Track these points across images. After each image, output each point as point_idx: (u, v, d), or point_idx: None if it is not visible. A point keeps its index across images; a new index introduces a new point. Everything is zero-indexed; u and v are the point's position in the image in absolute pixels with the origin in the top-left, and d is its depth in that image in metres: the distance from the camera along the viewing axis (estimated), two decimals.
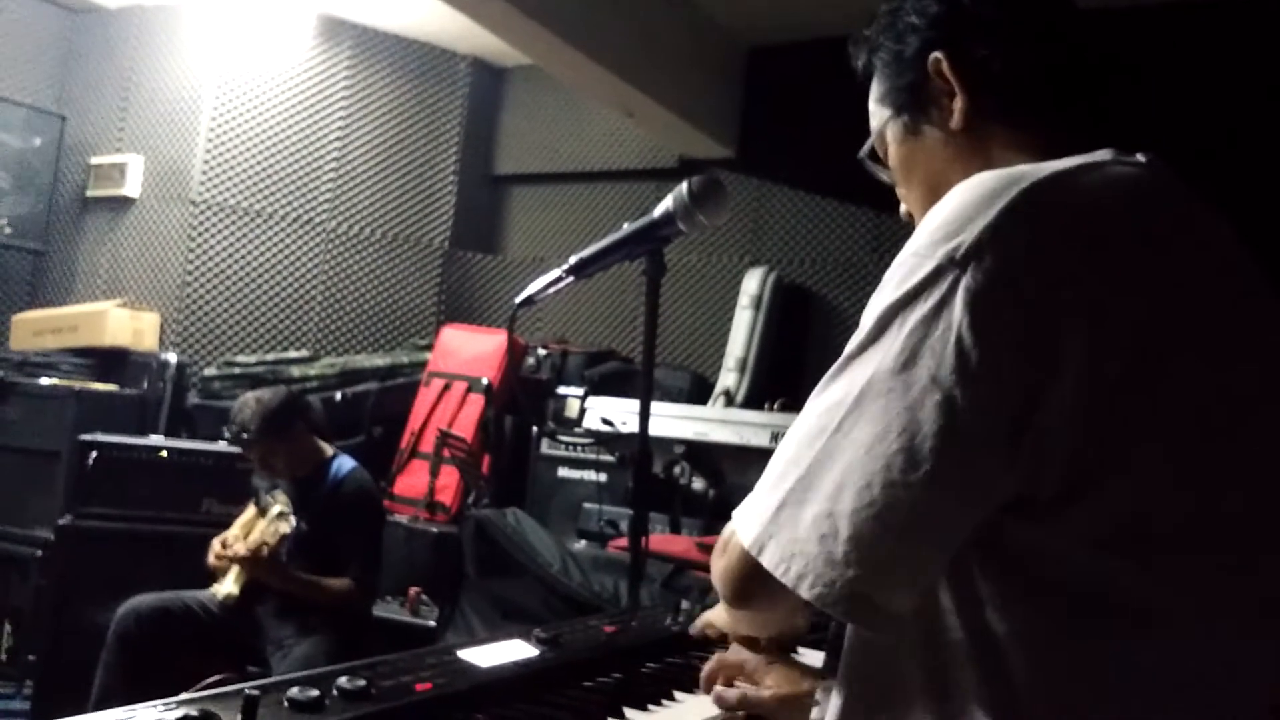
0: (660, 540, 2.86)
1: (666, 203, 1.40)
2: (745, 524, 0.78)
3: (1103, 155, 0.79)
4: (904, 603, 0.72)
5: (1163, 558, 0.70)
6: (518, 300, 1.48)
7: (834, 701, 0.84)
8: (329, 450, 3.17)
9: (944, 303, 0.69)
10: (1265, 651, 0.75)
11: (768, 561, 0.74)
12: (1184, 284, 0.75)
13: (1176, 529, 0.71)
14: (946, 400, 0.68)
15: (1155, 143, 0.83)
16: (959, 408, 0.68)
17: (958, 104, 0.89)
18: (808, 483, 0.73)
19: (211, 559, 2.94)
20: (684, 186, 1.38)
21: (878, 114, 0.97)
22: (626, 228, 1.44)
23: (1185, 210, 0.80)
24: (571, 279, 1.44)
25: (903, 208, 0.99)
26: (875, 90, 0.97)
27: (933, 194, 0.91)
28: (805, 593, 0.72)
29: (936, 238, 0.72)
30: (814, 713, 0.92)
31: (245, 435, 2.98)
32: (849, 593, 0.70)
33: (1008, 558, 0.72)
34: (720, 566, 0.84)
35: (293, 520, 2.91)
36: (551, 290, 1.45)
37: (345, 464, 3.15)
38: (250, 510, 3.12)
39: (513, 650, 1.28)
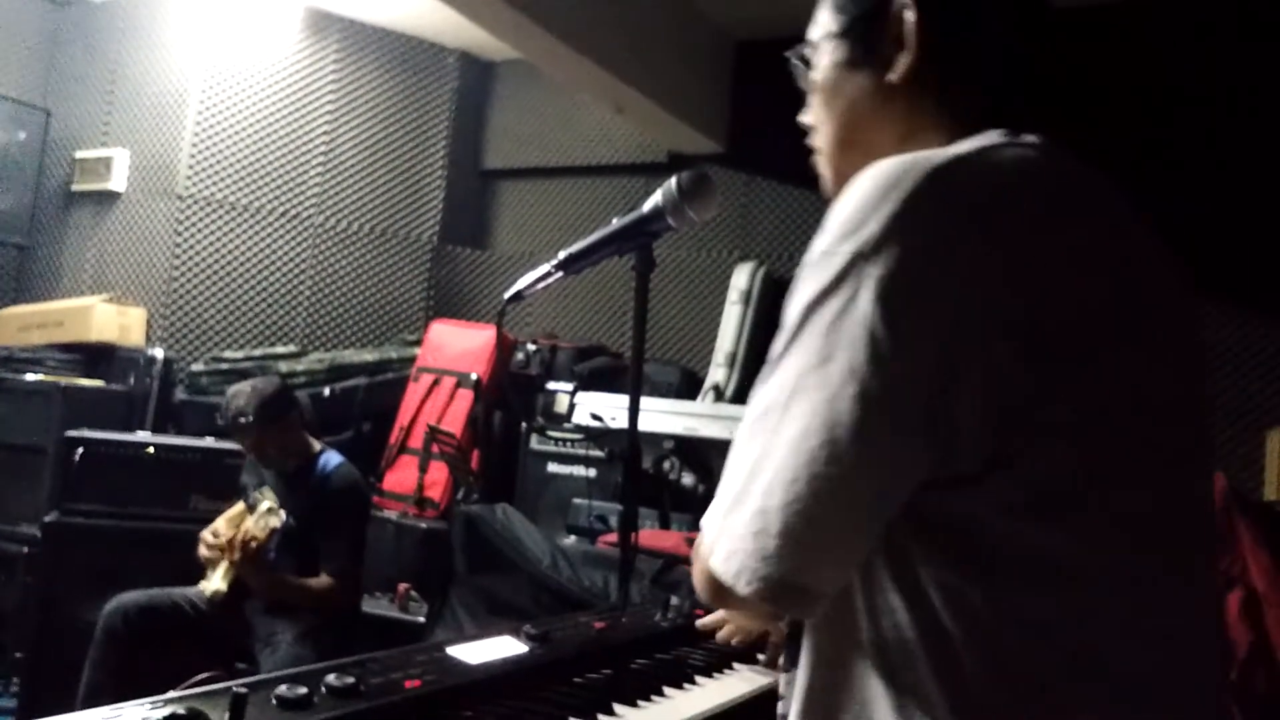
0: (650, 535, 2.86)
1: (655, 198, 1.39)
2: (705, 530, 0.82)
3: (995, 137, 0.80)
4: (835, 584, 0.77)
5: (1079, 518, 0.73)
6: (507, 295, 1.47)
7: (796, 693, 0.84)
8: (317, 445, 3.17)
9: (854, 296, 0.70)
10: (1186, 602, 0.79)
11: (715, 564, 0.78)
12: (1084, 263, 0.76)
13: (1088, 492, 0.73)
14: (863, 391, 0.70)
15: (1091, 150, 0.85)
16: (874, 397, 0.70)
17: (904, 60, 0.87)
18: (747, 485, 0.76)
19: (203, 550, 2.93)
20: (673, 182, 1.38)
21: (825, 24, 0.94)
22: (615, 223, 1.43)
23: (1083, 190, 0.81)
24: (561, 274, 1.43)
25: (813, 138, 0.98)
26: (834, 2, 0.94)
27: (843, 133, 0.94)
28: (743, 589, 0.75)
29: (844, 232, 0.73)
30: (779, 706, 0.92)
31: (241, 420, 2.98)
32: (782, 585, 0.74)
33: (938, 532, 0.73)
34: (694, 572, 0.87)
35: (282, 515, 2.90)
36: (541, 285, 1.45)
37: (333, 459, 3.14)
38: (238, 506, 3.12)
39: (502, 647, 1.28)
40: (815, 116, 0.97)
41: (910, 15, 0.87)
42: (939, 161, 0.73)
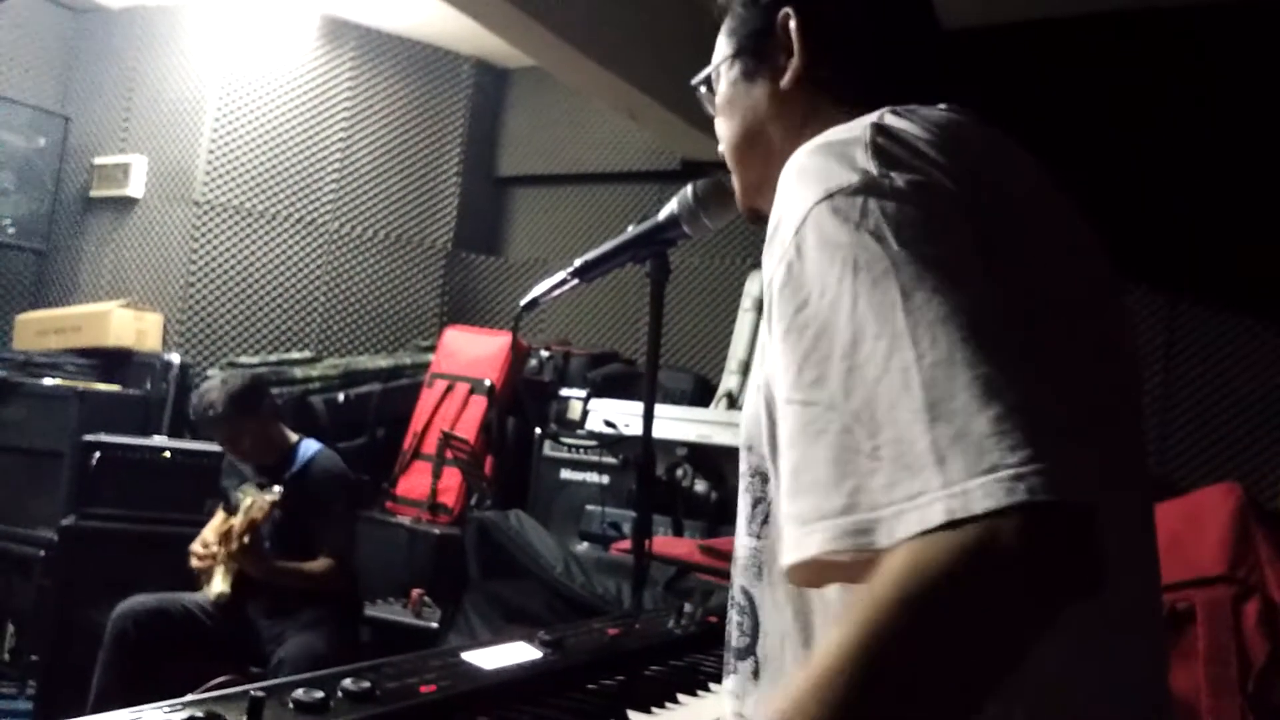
0: (663, 543, 2.86)
1: (671, 206, 1.40)
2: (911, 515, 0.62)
3: (902, 107, 0.81)
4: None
5: None
6: (522, 302, 1.48)
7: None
8: (293, 437, 3.22)
9: (900, 200, 0.70)
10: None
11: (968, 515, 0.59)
12: (1021, 192, 0.80)
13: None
14: (956, 263, 0.68)
15: None
16: (969, 264, 0.69)
17: (792, 65, 0.91)
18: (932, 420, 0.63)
19: (194, 561, 2.95)
20: (688, 190, 1.38)
21: (722, 49, 0.99)
22: (631, 230, 1.44)
23: (1001, 137, 0.84)
24: (576, 281, 1.44)
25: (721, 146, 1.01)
26: (726, 25, 0.99)
27: (748, 142, 0.97)
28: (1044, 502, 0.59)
29: (836, 176, 0.72)
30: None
31: (210, 413, 3.01)
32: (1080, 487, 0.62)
33: None
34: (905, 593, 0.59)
35: (276, 489, 2.90)
36: (556, 293, 1.45)
37: (311, 446, 3.19)
38: (219, 515, 3.12)
39: (517, 653, 1.28)
40: (720, 133, 1.00)
41: (792, 19, 0.90)
42: (873, 116, 0.76)
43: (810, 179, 0.73)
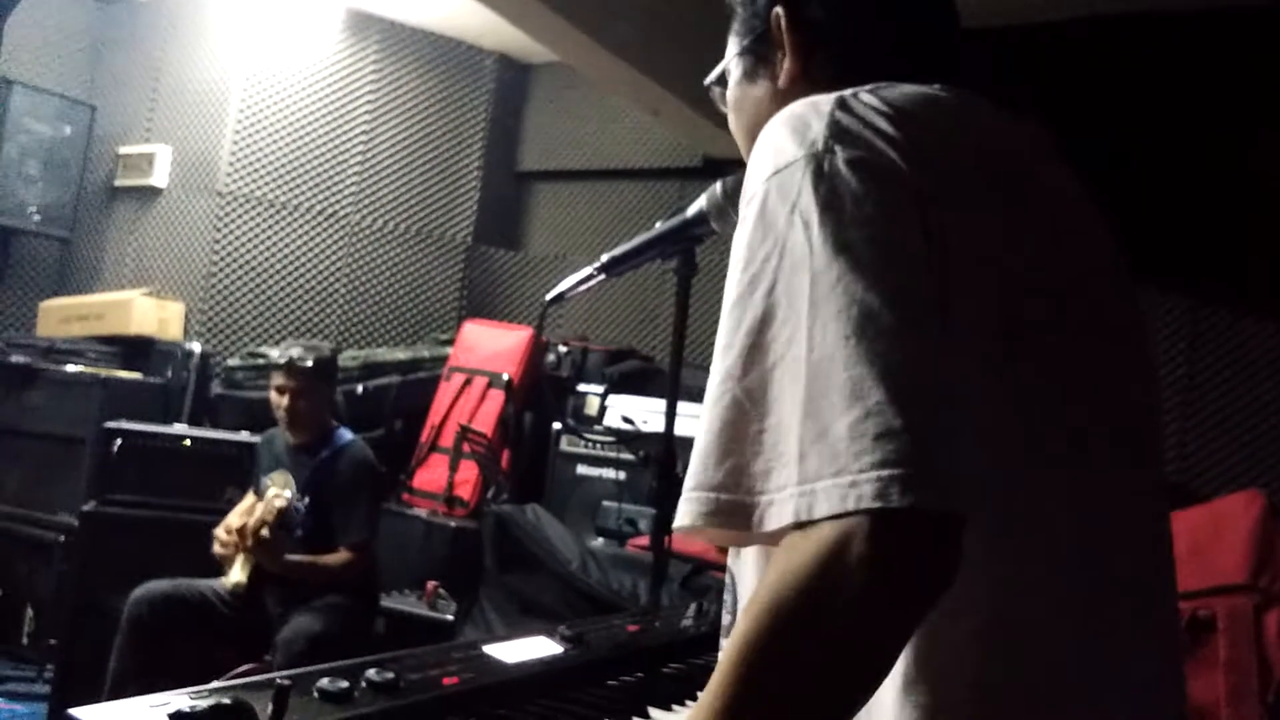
0: (679, 539, 2.86)
1: (700, 202, 1.39)
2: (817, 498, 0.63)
3: (888, 83, 0.81)
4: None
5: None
6: (548, 297, 1.48)
7: None
8: (334, 423, 3.26)
9: (834, 181, 0.70)
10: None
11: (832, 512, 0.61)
12: (986, 172, 0.77)
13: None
14: (892, 254, 0.68)
15: None
16: (905, 257, 0.68)
17: (785, 64, 0.92)
18: (815, 401, 0.65)
19: (217, 548, 2.97)
20: (718, 186, 1.37)
21: (730, 49, 1.00)
22: (659, 227, 1.43)
23: (987, 114, 0.83)
24: (603, 277, 1.44)
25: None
26: (732, 26, 1.00)
27: (750, 140, 0.95)
28: (900, 501, 0.60)
29: (785, 153, 0.73)
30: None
31: (298, 364, 3.09)
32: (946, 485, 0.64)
33: None
34: (791, 578, 0.62)
35: (287, 494, 2.96)
36: (582, 288, 1.45)
37: (345, 434, 3.24)
38: (249, 497, 3.17)
39: (538, 647, 1.28)
40: (732, 130, 1.01)
41: (782, 18, 0.91)
42: (842, 91, 0.77)
43: (769, 151, 0.75)
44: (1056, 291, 0.77)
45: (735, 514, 0.67)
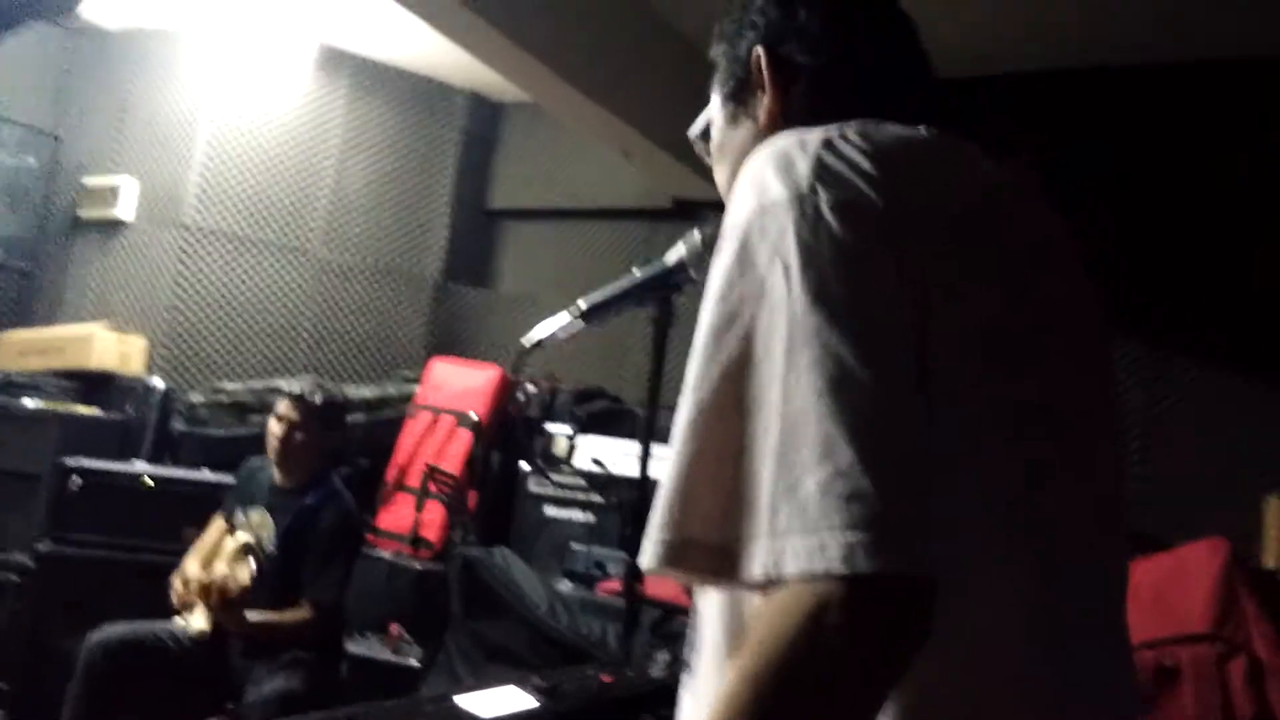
0: (649, 584, 2.84)
1: (679, 250, 1.39)
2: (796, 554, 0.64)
3: (874, 122, 0.82)
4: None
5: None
6: (526, 344, 1.47)
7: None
8: (328, 468, 3.16)
9: (817, 226, 0.70)
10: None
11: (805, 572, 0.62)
12: (969, 218, 0.78)
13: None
14: (869, 305, 0.68)
15: None
16: (881, 308, 0.69)
17: (765, 102, 0.94)
18: (786, 458, 0.65)
19: (174, 598, 2.89)
20: (695, 235, 1.37)
21: (714, 101, 1.01)
22: (638, 274, 1.43)
23: (974, 156, 0.84)
24: (582, 325, 1.43)
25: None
26: (715, 77, 1.01)
27: (732, 181, 0.96)
28: (865, 567, 0.61)
29: (770, 190, 0.73)
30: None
31: (305, 399, 3.03)
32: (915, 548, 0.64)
33: None
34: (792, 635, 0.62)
35: (253, 565, 2.85)
36: (563, 335, 1.45)
37: (335, 484, 3.12)
38: (213, 532, 3.08)
39: (511, 699, 1.26)
40: (717, 178, 1.02)
41: (762, 59, 0.93)
42: (827, 130, 0.77)
43: (753, 187, 0.75)
44: (1029, 337, 0.78)
45: (700, 557, 0.68)
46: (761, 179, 0.74)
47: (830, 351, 0.65)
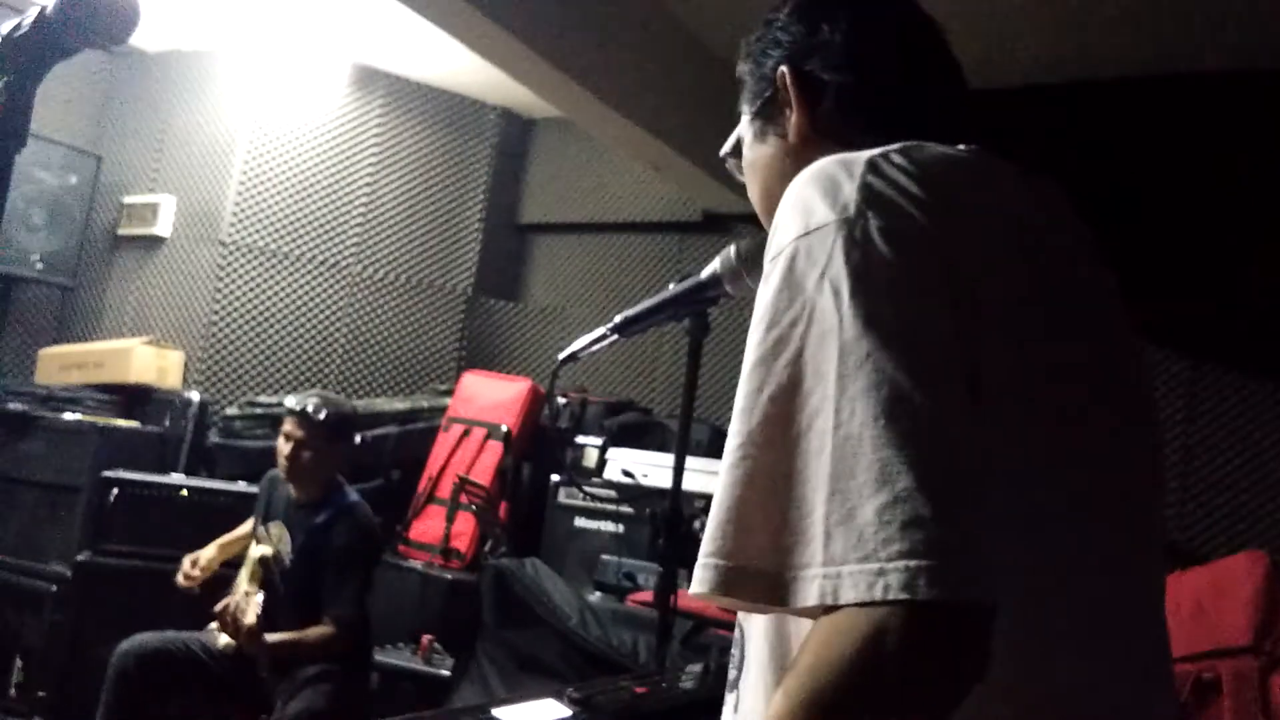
0: (681, 595, 2.84)
1: (714, 265, 1.40)
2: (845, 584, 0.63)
3: (916, 143, 0.81)
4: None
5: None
6: (561, 357, 1.49)
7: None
8: (341, 481, 3.16)
9: (866, 250, 0.69)
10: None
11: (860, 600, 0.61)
12: (1015, 239, 0.78)
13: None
14: (923, 329, 0.68)
15: None
16: (935, 332, 0.68)
17: (793, 119, 0.94)
18: (839, 485, 0.65)
19: (180, 580, 2.92)
20: (731, 250, 1.38)
21: (743, 117, 1.02)
22: (672, 289, 1.45)
23: (1015, 181, 0.84)
24: (616, 337, 1.45)
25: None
26: (743, 94, 1.01)
27: (766, 199, 0.98)
28: (926, 594, 0.60)
29: (816, 214, 0.72)
30: None
31: (313, 415, 2.98)
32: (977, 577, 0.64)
33: None
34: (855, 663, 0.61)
35: (259, 602, 2.80)
36: (596, 348, 1.46)
37: (350, 496, 3.12)
38: (244, 528, 3.11)
39: (546, 711, 1.27)
40: (750, 194, 1.02)
41: (788, 77, 0.93)
42: (872, 152, 0.76)
43: (798, 210, 0.74)
44: (1072, 358, 0.78)
45: (754, 585, 0.68)
46: (807, 203, 0.74)
47: (885, 376, 0.65)
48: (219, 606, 2.81)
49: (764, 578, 0.67)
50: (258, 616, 2.73)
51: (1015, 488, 0.71)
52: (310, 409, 3.00)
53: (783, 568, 0.66)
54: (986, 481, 0.65)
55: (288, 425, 3.03)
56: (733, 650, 0.93)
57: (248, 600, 2.79)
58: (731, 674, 0.92)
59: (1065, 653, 0.73)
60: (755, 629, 0.85)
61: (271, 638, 2.78)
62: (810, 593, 0.64)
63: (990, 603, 0.61)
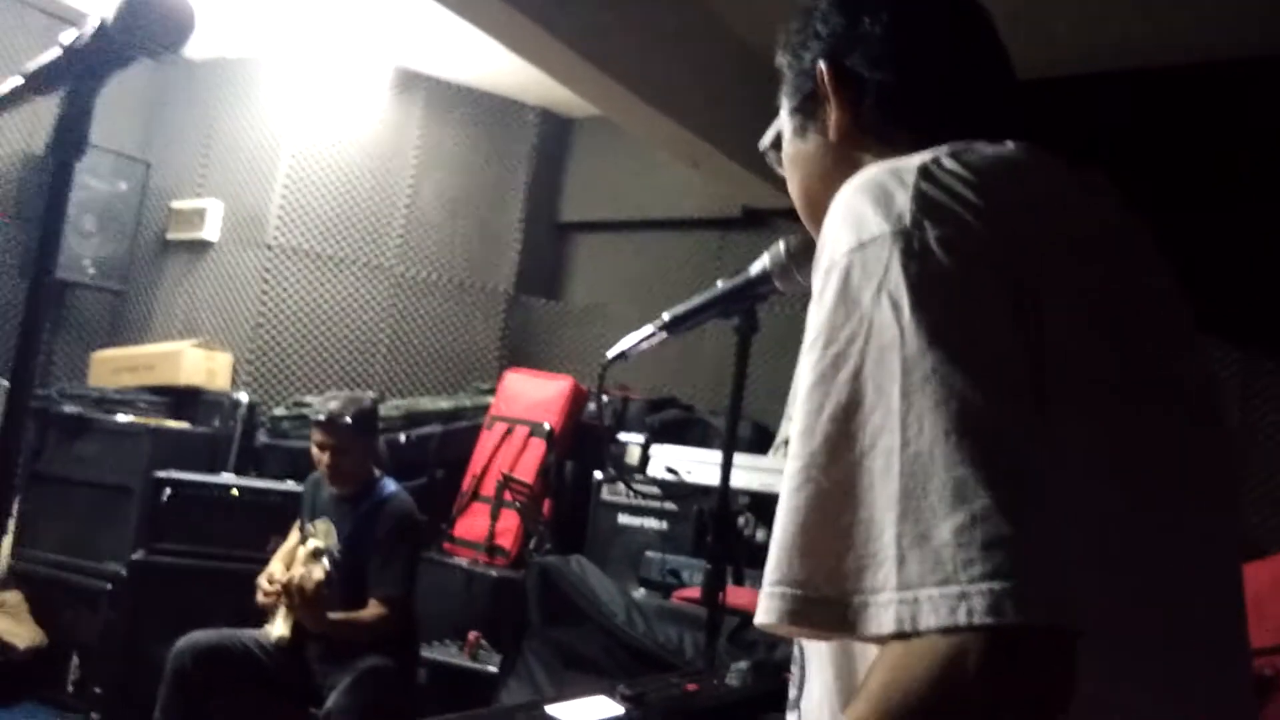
0: (728, 592, 2.83)
1: (763, 261, 1.39)
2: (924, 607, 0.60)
3: (957, 145, 0.78)
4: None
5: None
6: (610, 354, 1.49)
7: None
8: (378, 473, 3.24)
9: (925, 261, 0.67)
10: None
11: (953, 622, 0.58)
12: (1075, 241, 0.75)
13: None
14: (988, 339, 0.65)
15: None
16: (1001, 344, 0.65)
17: (833, 116, 0.91)
18: (913, 502, 0.62)
19: (260, 597, 2.98)
20: (780, 245, 1.37)
21: (782, 109, 0.99)
22: (721, 286, 1.44)
23: (1064, 176, 0.81)
24: (665, 335, 1.45)
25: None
26: (783, 88, 0.99)
27: (806, 196, 0.96)
28: (1018, 618, 0.57)
29: (869, 225, 0.70)
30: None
31: (338, 420, 3.05)
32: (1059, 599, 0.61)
33: None
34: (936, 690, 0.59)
35: (326, 564, 2.93)
36: (644, 345, 1.46)
37: (389, 485, 3.22)
38: (293, 537, 3.18)
39: (599, 708, 1.28)
40: (790, 190, 1.00)
41: (826, 73, 0.91)
42: (923, 158, 0.74)
43: (849, 222, 0.72)
44: (1136, 362, 0.75)
45: (823, 613, 0.65)
46: (858, 214, 0.71)
47: (954, 391, 0.62)
48: (278, 583, 2.89)
49: (831, 604, 0.64)
50: (320, 580, 2.83)
51: (1083, 503, 0.68)
52: (336, 415, 3.07)
53: (853, 593, 0.63)
54: (1057, 495, 0.63)
55: (318, 435, 3.11)
56: (791, 668, 0.91)
57: (309, 569, 2.87)
58: (792, 693, 0.90)
59: (1142, 683, 0.70)
60: (816, 647, 0.83)
61: (331, 616, 2.89)
62: (885, 619, 0.61)
63: (1075, 627, 0.58)
